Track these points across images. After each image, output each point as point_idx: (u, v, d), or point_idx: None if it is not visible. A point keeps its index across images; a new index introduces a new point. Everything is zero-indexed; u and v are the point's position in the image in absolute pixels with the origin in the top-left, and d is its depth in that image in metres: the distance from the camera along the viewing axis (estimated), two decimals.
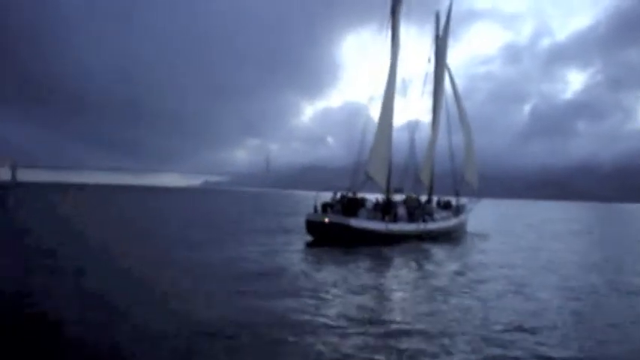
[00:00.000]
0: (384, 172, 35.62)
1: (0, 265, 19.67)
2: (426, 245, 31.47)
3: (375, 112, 35.71)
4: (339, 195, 33.24)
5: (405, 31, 42.14)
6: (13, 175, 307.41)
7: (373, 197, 35.27)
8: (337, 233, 30.46)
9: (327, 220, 31.15)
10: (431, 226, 36.64)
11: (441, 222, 38.39)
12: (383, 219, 33.14)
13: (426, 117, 42.57)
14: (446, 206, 41.94)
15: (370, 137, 34.88)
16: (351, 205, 32.47)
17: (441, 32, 42.37)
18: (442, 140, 42.41)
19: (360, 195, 33.97)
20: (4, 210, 56.08)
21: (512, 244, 35.68)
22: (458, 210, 42.08)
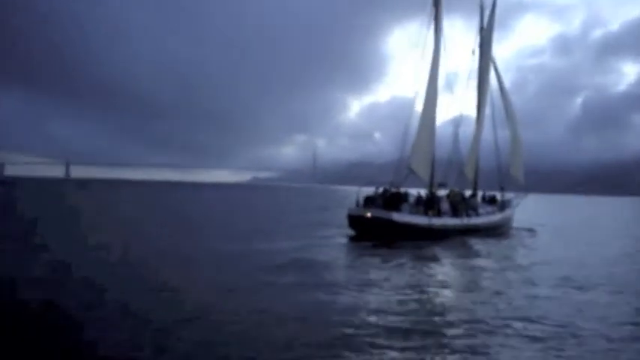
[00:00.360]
0: (426, 167, 35.36)
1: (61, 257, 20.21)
2: (472, 241, 31.06)
3: (420, 107, 35.56)
4: (381, 189, 32.93)
5: (450, 23, 41.79)
6: (67, 172, 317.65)
7: (416, 192, 35.02)
8: (379, 228, 30.12)
9: (369, 214, 30.89)
10: (475, 220, 36.11)
11: (485, 217, 37.69)
12: (426, 214, 32.79)
13: (472, 112, 42.04)
14: (491, 201, 41.22)
15: (414, 132, 34.82)
16: (394, 200, 32.08)
17: (485, 23, 41.57)
18: (488, 135, 41.94)
19: (402, 190, 33.61)
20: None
21: (561, 240, 34.96)
22: (503, 205, 41.21)
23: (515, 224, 42.09)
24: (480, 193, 41.29)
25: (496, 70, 42.29)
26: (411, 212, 32.31)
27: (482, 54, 41.54)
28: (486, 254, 26.28)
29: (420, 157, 34.47)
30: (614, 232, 46.25)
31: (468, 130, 41.14)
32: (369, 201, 32.19)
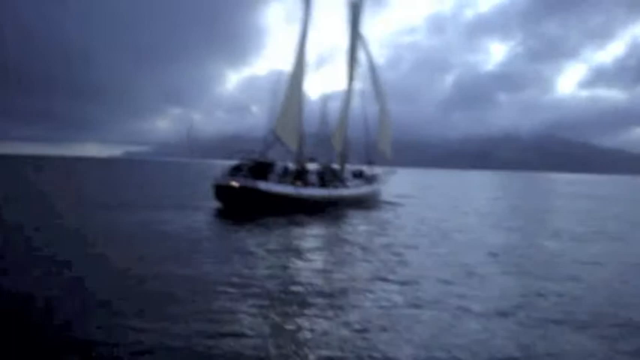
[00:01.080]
0: (294, 137, 35.17)
1: None
2: (342, 211, 31.59)
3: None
4: (248, 160, 32.36)
5: None
6: None
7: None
8: (246, 197, 29.65)
9: (234, 183, 30.17)
10: (342, 192, 36.53)
11: (352, 189, 38.34)
12: (292, 184, 32.65)
13: (344, 88, 42.37)
14: (358, 175, 41.81)
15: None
16: (260, 169, 31.65)
17: None
18: (358, 110, 42.37)
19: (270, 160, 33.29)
20: None
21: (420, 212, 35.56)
22: (371, 179, 42.00)
23: (386, 197, 43.00)
24: (348, 168, 41.67)
25: (365, 45, 42.56)
26: (279, 182, 32.05)
27: (352, 29, 41.71)
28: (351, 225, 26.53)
29: (285, 125, 34.17)
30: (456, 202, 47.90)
31: (339, 106, 41.39)
32: (235, 170, 31.57)
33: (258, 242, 19.42)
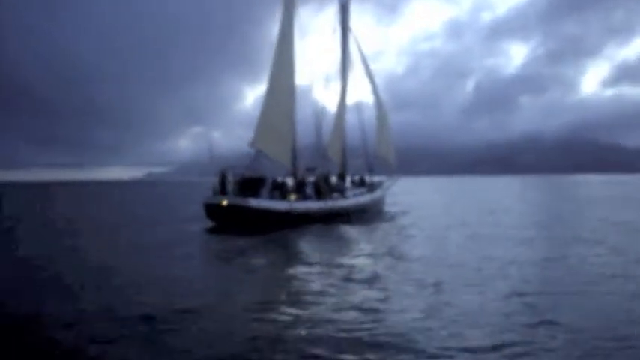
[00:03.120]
0: (281, 149, 33.89)
1: None
2: (335, 226, 29.64)
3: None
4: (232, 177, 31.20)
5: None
6: None
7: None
8: (236, 216, 28.72)
9: (224, 202, 29.42)
10: (341, 203, 35.13)
11: (352, 199, 36.79)
12: (283, 198, 31.59)
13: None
14: (360, 184, 40.43)
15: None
16: (250, 185, 30.63)
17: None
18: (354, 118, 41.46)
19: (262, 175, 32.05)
20: None
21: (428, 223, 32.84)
22: (372, 187, 40.42)
23: (391, 207, 41.74)
24: (348, 178, 40.47)
25: (360, 48, 41.20)
26: (270, 197, 31.11)
27: (343, 30, 40.67)
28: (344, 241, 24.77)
29: (269, 138, 32.92)
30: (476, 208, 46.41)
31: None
32: (224, 188, 30.64)
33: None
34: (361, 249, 21.63)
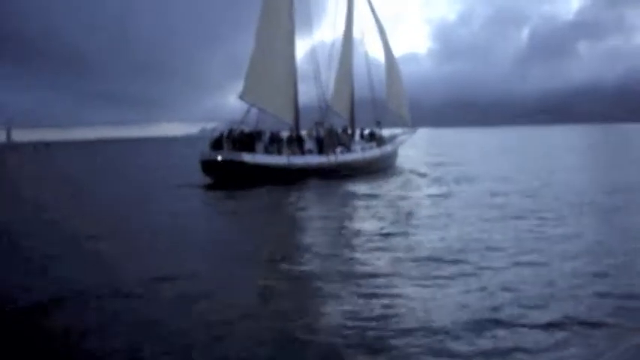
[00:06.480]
0: (280, 104, 32.97)
1: None
2: (335, 183, 28.98)
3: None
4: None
5: None
6: (9, 137, 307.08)
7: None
8: (231, 172, 28.39)
9: (219, 157, 29.21)
10: (345, 158, 34.04)
11: (358, 154, 35.73)
12: (279, 152, 31.26)
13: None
14: (370, 138, 38.84)
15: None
16: (244, 140, 30.37)
17: None
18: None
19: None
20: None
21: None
22: (381, 140, 38.86)
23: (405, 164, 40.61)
24: (357, 130, 39.30)
25: None
26: (266, 152, 30.82)
27: None
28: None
29: (264, 93, 31.79)
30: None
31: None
32: (217, 143, 30.41)
33: None
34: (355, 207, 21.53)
